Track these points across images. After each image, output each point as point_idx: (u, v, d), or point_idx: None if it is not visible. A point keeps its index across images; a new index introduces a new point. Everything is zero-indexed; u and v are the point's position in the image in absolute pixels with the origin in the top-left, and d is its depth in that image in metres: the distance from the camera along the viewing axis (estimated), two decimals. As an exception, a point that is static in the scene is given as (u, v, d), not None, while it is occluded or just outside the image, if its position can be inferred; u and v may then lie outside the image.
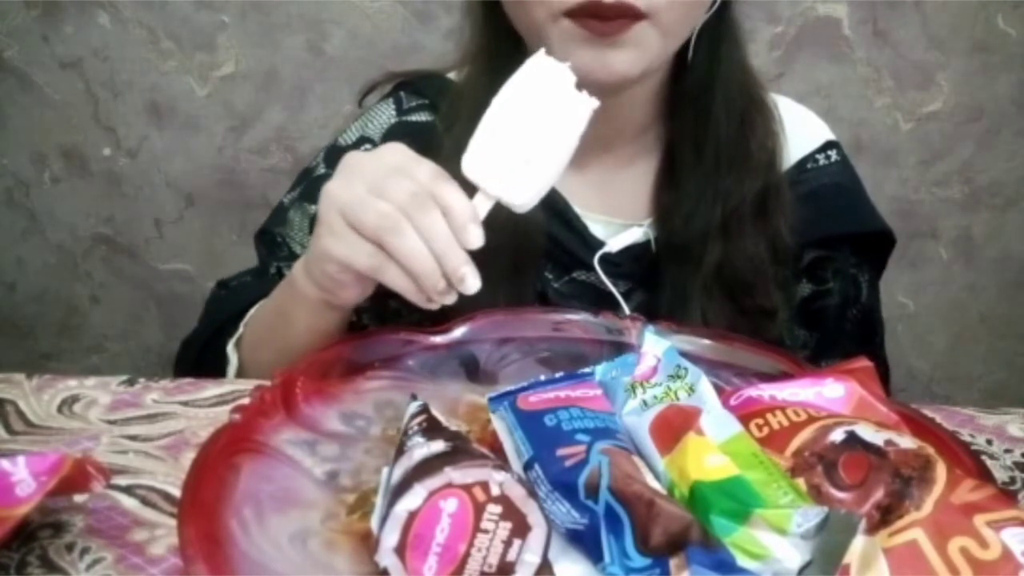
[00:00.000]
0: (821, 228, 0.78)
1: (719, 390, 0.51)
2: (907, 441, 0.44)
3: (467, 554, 0.39)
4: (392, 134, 0.79)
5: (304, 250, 0.71)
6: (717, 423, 0.46)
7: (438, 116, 0.78)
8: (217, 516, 0.40)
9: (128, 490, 0.50)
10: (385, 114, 0.81)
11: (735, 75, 0.75)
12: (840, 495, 0.42)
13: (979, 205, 1.50)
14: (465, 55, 0.78)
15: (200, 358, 0.75)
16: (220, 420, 0.46)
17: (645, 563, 0.40)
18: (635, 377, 0.54)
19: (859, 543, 0.38)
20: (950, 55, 1.40)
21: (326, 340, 0.64)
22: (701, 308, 0.73)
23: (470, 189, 0.54)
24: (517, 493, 0.39)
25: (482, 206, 0.54)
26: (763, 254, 0.75)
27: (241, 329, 0.72)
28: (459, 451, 0.41)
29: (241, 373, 0.72)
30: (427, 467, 0.40)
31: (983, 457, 0.53)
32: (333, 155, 0.80)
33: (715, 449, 0.45)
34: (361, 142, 0.80)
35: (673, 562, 0.39)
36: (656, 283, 0.76)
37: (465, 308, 0.59)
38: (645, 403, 0.51)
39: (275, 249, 0.80)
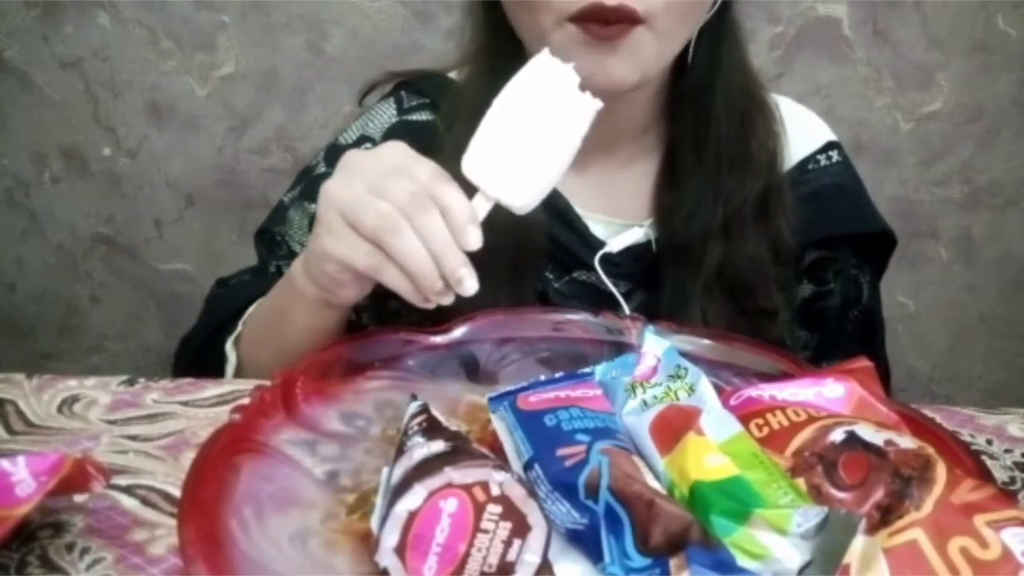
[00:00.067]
0: (822, 229, 0.78)
1: (719, 390, 0.51)
2: (907, 441, 0.44)
3: (467, 554, 0.39)
4: (393, 133, 0.79)
5: (304, 249, 0.71)
6: (717, 423, 0.46)
7: (439, 115, 0.78)
8: (217, 516, 0.40)
9: (128, 490, 0.50)
10: (386, 113, 0.81)
11: (736, 75, 0.75)
12: (840, 495, 0.42)
13: (979, 205, 1.50)
14: (466, 55, 0.78)
15: (199, 356, 0.75)
16: (220, 420, 0.46)
17: (645, 563, 0.40)
18: (635, 377, 0.54)
19: (859, 543, 0.38)
20: (950, 55, 1.40)
21: (325, 338, 0.64)
22: (702, 309, 0.73)
23: (470, 189, 0.54)
24: (517, 493, 0.39)
25: (481, 207, 0.54)
26: (764, 255, 0.75)
27: (240, 327, 0.72)
28: (459, 451, 0.41)
29: (239, 371, 0.72)
30: (427, 467, 0.40)
31: (983, 457, 0.53)
32: (333, 154, 0.80)
33: (715, 449, 0.45)
34: (362, 141, 0.80)
35: (673, 562, 0.39)
36: (657, 283, 0.76)
37: (466, 308, 0.59)
38: (645, 403, 0.51)
39: (275, 248, 0.80)
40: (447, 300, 0.54)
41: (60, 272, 1.56)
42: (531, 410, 0.49)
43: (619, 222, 0.78)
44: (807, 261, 0.79)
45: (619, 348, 0.61)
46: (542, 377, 0.55)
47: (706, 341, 0.60)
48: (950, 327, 1.58)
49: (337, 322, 0.65)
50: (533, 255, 0.74)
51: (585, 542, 0.42)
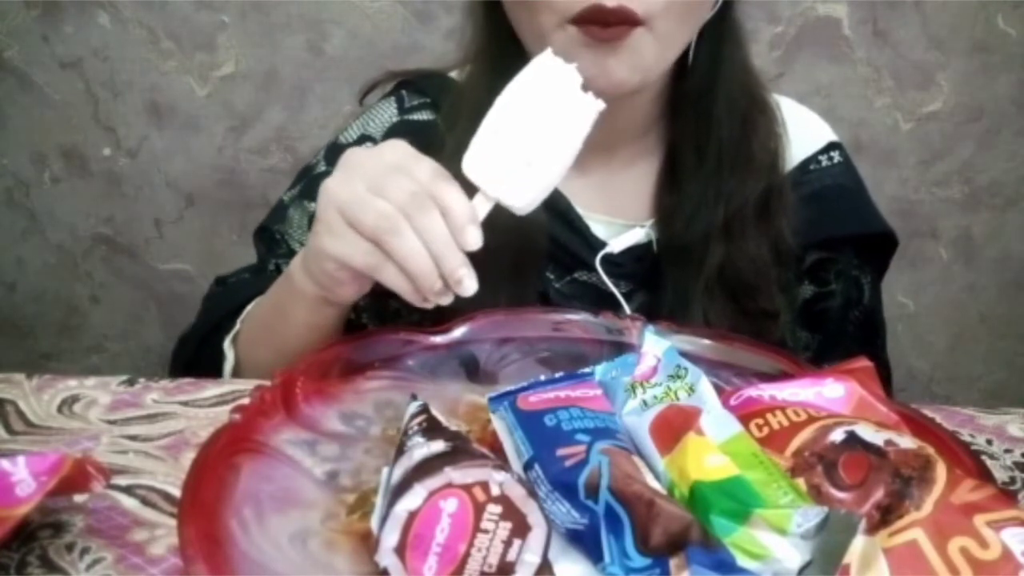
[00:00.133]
0: (824, 230, 0.78)
1: (719, 390, 0.51)
2: (907, 441, 0.44)
3: (467, 554, 0.39)
4: (394, 132, 0.79)
5: (303, 248, 0.71)
6: (717, 423, 0.46)
7: (440, 115, 0.78)
8: (217, 516, 0.40)
9: (128, 490, 0.50)
10: (387, 112, 0.81)
11: (737, 76, 0.75)
12: (840, 495, 0.42)
13: (979, 205, 1.50)
14: (466, 55, 0.78)
15: (197, 354, 0.75)
16: (220, 420, 0.46)
17: (645, 563, 0.40)
18: (635, 377, 0.54)
19: (859, 543, 0.38)
20: (950, 55, 1.40)
21: (323, 337, 0.64)
22: (703, 309, 0.73)
23: (471, 188, 0.54)
24: (517, 493, 0.39)
25: (482, 207, 0.54)
26: (765, 256, 0.74)
27: (238, 325, 0.72)
28: (459, 451, 0.41)
29: (237, 370, 0.72)
30: (427, 467, 0.40)
31: (983, 457, 0.53)
32: (334, 153, 0.80)
33: (715, 449, 0.45)
34: (362, 140, 0.80)
35: (673, 562, 0.39)
36: (658, 284, 0.76)
37: (467, 308, 0.59)
38: (645, 403, 0.51)
39: (274, 246, 0.80)
40: (446, 300, 0.54)
41: (60, 272, 1.56)
42: (531, 410, 0.49)
43: (620, 222, 0.78)
44: (808, 262, 0.79)
45: (619, 348, 0.61)
46: (542, 377, 0.55)
47: (706, 341, 0.60)
48: (950, 327, 1.58)
49: (336, 321, 0.65)
50: (534, 255, 0.74)
51: (585, 542, 0.42)
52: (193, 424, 0.57)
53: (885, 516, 0.40)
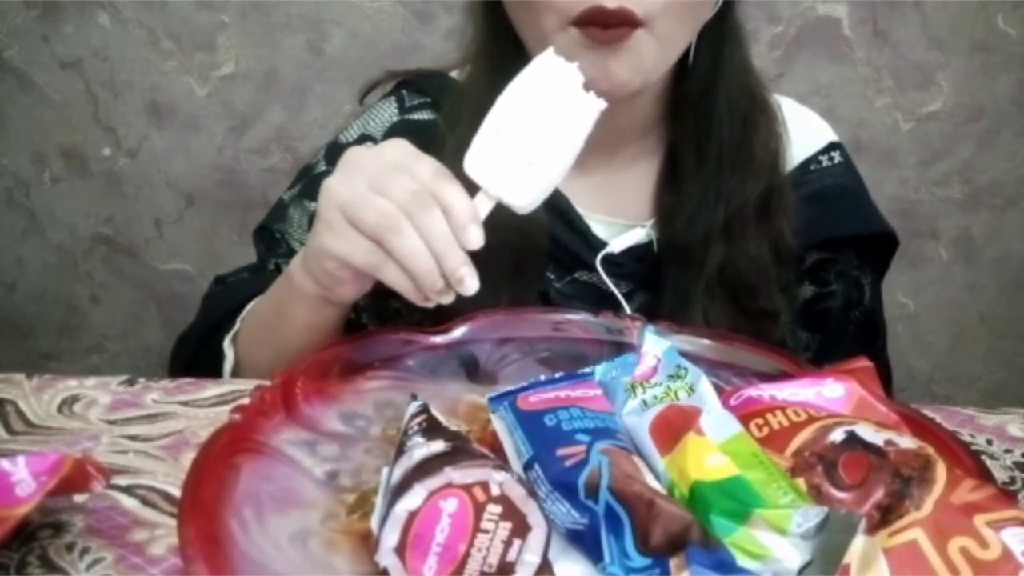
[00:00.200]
0: (824, 230, 0.77)
1: (719, 390, 0.51)
2: (907, 441, 0.44)
3: (467, 554, 0.39)
4: (394, 132, 0.79)
5: (303, 247, 0.71)
6: (717, 423, 0.46)
7: (440, 115, 0.78)
8: (217, 516, 0.40)
9: (128, 490, 0.50)
10: (387, 112, 0.81)
11: (738, 76, 0.75)
12: (840, 495, 0.42)
13: (979, 205, 1.50)
14: (467, 55, 0.78)
15: (196, 354, 0.75)
16: (220, 420, 0.46)
17: (645, 563, 0.40)
18: (635, 377, 0.54)
19: (859, 543, 0.38)
20: (950, 55, 1.40)
21: (323, 336, 0.64)
22: (703, 309, 0.73)
23: (472, 187, 0.54)
24: (517, 493, 0.39)
25: (483, 206, 0.54)
26: (765, 256, 0.74)
27: (237, 325, 0.72)
28: (459, 451, 0.41)
29: (237, 369, 0.72)
30: (427, 467, 0.40)
31: (983, 457, 0.53)
32: (334, 152, 0.80)
33: (715, 449, 0.45)
34: (363, 140, 0.80)
35: (673, 562, 0.39)
36: (658, 284, 0.76)
37: (467, 308, 0.59)
38: (645, 403, 0.51)
39: (274, 246, 0.80)
40: (447, 299, 0.54)
41: (60, 272, 1.56)
42: (531, 410, 0.49)
43: (621, 223, 0.78)
44: (809, 262, 0.79)
45: (619, 348, 0.61)
46: (542, 377, 0.54)
47: (706, 341, 0.60)
48: (950, 327, 1.58)
49: (336, 320, 0.65)
50: (535, 255, 0.74)
51: (585, 542, 0.42)
52: (193, 424, 0.57)
53: (885, 516, 0.40)
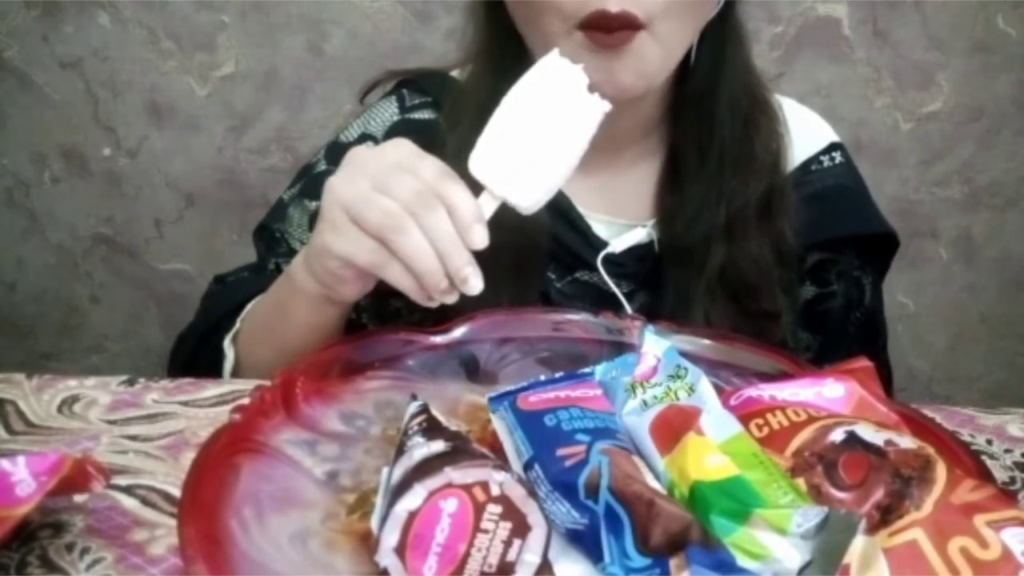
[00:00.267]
0: (825, 230, 0.77)
1: (719, 390, 0.51)
2: (907, 441, 0.44)
3: (467, 554, 0.39)
4: (395, 131, 0.79)
5: (303, 247, 0.70)
6: (717, 423, 0.46)
7: (441, 114, 0.78)
8: (217, 516, 0.40)
9: (128, 490, 0.50)
10: (388, 111, 0.81)
11: (739, 76, 0.75)
12: (840, 495, 0.42)
13: (979, 205, 1.50)
14: (467, 54, 0.78)
15: (196, 353, 0.75)
16: (220, 420, 0.46)
17: (645, 563, 0.40)
18: (635, 377, 0.54)
19: (859, 543, 0.38)
20: (950, 55, 1.40)
21: (324, 336, 0.64)
22: (704, 310, 0.73)
23: (475, 187, 0.54)
24: (517, 493, 0.39)
25: (488, 206, 0.54)
26: (767, 256, 0.74)
27: (238, 324, 0.72)
28: (459, 451, 0.41)
29: (237, 369, 0.72)
30: (427, 467, 0.40)
31: (983, 457, 0.53)
32: (334, 151, 0.80)
33: (715, 449, 0.45)
34: (363, 139, 0.80)
35: (673, 562, 0.39)
36: (659, 284, 0.76)
37: (468, 308, 0.59)
38: (645, 403, 0.51)
39: (274, 245, 0.80)
40: (451, 299, 0.54)
41: (60, 272, 1.56)
42: (531, 410, 0.49)
43: (622, 223, 0.78)
44: (810, 263, 0.79)
45: (619, 348, 0.61)
46: (542, 377, 0.54)
47: (706, 341, 0.60)
48: (950, 327, 1.58)
49: (337, 319, 0.65)
50: (536, 255, 0.74)
51: (585, 542, 0.42)
52: (193, 424, 0.57)
53: (885, 516, 0.40)
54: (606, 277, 0.75)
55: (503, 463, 0.41)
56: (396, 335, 0.59)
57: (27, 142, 1.48)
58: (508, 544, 0.39)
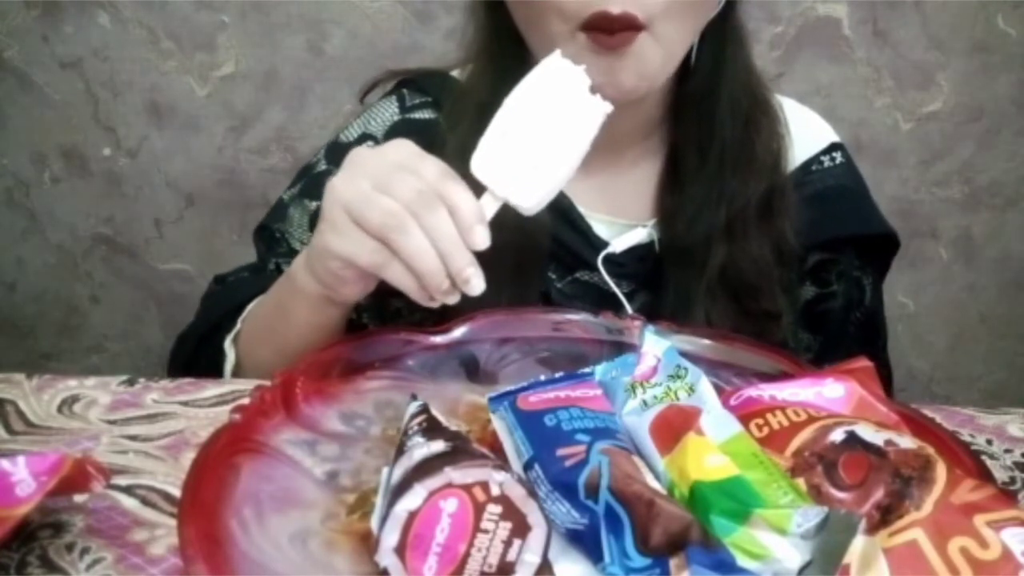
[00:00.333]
0: (826, 230, 0.77)
1: (719, 390, 0.51)
2: (907, 441, 0.44)
3: (467, 554, 0.39)
4: (395, 131, 0.79)
5: (303, 247, 0.70)
6: (717, 423, 0.46)
7: (442, 114, 0.78)
8: (217, 516, 0.40)
9: (128, 490, 0.50)
10: (388, 111, 0.81)
11: (740, 76, 0.75)
12: (840, 495, 0.42)
13: (979, 205, 1.50)
14: (468, 54, 0.78)
15: (196, 353, 0.75)
16: (220, 420, 0.46)
17: (645, 563, 0.40)
18: (635, 377, 0.54)
19: (859, 543, 0.38)
20: (950, 55, 1.40)
21: (326, 336, 0.64)
22: (705, 310, 0.73)
23: (476, 188, 0.54)
24: (517, 493, 0.39)
25: (489, 207, 0.54)
26: (767, 256, 0.74)
27: (239, 325, 0.72)
28: (459, 451, 0.41)
29: (238, 369, 0.72)
30: (427, 467, 0.40)
31: (983, 457, 0.53)
32: (334, 151, 0.80)
33: (715, 449, 0.45)
34: (363, 139, 0.80)
35: (673, 562, 0.39)
36: (660, 284, 0.76)
37: (468, 308, 0.59)
38: (645, 403, 0.51)
39: (274, 245, 0.80)
40: (453, 299, 0.54)
41: (60, 272, 1.56)
42: (531, 410, 0.49)
43: (622, 223, 0.78)
44: (810, 263, 0.79)
45: (619, 348, 0.61)
46: (542, 377, 0.54)
47: (706, 341, 0.60)
48: (950, 327, 1.58)
49: (338, 320, 0.65)
50: (537, 255, 0.74)
51: (585, 542, 0.42)
52: (193, 424, 0.57)
53: (885, 516, 0.40)
54: (606, 277, 0.75)
55: (503, 463, 0.41)
56: (396, 335, 0.59)
57: (27, 142, 1.48)
58: (508, 544, 0.39)
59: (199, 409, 0.59)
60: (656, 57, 0.65)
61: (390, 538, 0.39)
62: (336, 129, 0.84)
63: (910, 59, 1.41)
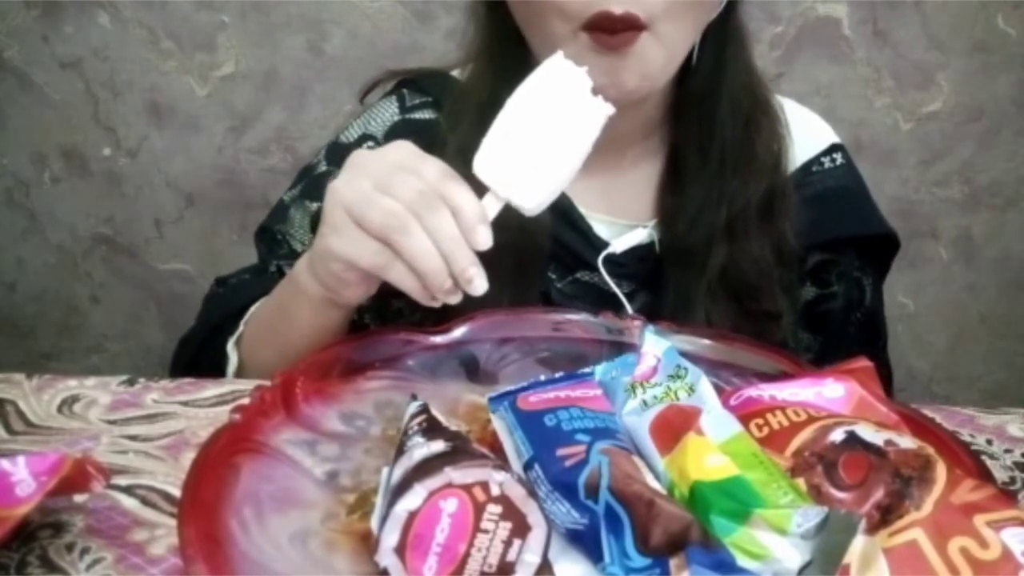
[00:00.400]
0: (826, 231, 0.77)
1: (719, 390, 0.51)
2: (907, 441, 0.44)
3: (467, 554, 0.39)
4: (395, 132, 0.79)
5: (304, 248, 0.70)
6: (717, 423, 0.46)
7: (442, 114, 0.78)
8: (217, 516, 0.40)
9: (128, 490, 0.50)
10: (388, 111, 0.81)
11: (740, 77, 0.75)
12: (840, 495, 0.42)
13: (979, 205, 1.50)
14: (468, 54, 0.78)
15: (198, 356, 0.75)
16: (220, 420, 0.46)
17: (645, 563, 0.40)
18: (635, 377, 0.54)
19: (859, 543, 0.38)
20: (950, 55, 1.40)
21: (328, 338, 0.64)
22: (705, 310, 0.73)
23: (476, 188, 0.54)
24: (517, 493, 0.39)
25: (491, 207, 0.54)
26: (768, 257, 0.74)
27: (241, 327, 0.72)
28: (459, 451, 0.41)
29: (241, 372, 0.71)
30: (427, 467, 0.40)
31: (983, 457, 0.53)
32: (335, 152, 0.80)
33: (715, 449, 0.45)
34: (364, 139, 0.80)
35: (673, 562, 0.39)
36: (660, 285, 0.76)
37: (469, 307, 0.59)
38: (645, 403, 0.51)
39: (275, 247, 0.80)
40: (455, 299, 0.54)
41: (60, 272, 1.56)
42: (531, 410, 0.49)
43: (623, 223, 0.78)
44: (810, 263, 0.79)
45: (619, 348, 0.61)
46: (542, 377, 0.55)
47: (706, 341, 0.60)
48: (950, 327, 1.58)
49: (341, 322, 0.65)
50: (537, 255, 0.74)
51: (585, 542, 0.42)
52: (193, 424, 0.57)
53: (885, 516, 0.40)
54: (607, 277, 0.75)
55: (503, 463, 0.41)
56: (396, 335, 0.59)
57: (27, 142, 1.48)
58: (508, 544, 0.39)
59: (199, 409, 0.59)
60: (658, 57, 0.65)
61: (390, 538, 0.39)
62: (336, 129, 0.84)
63: (910, 59, 1.41)
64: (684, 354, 0.55)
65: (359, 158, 0.57)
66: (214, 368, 0.72)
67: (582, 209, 0.77)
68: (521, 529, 0.39)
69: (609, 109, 0.54)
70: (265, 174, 1.47)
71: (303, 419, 0.50)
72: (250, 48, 1.41)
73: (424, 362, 0.59)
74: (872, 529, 0.39)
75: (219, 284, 0.83)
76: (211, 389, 0.62)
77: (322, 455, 0.49)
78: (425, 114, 0.80)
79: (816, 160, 0.80)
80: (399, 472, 0.41)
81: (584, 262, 0.76)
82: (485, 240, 0.53)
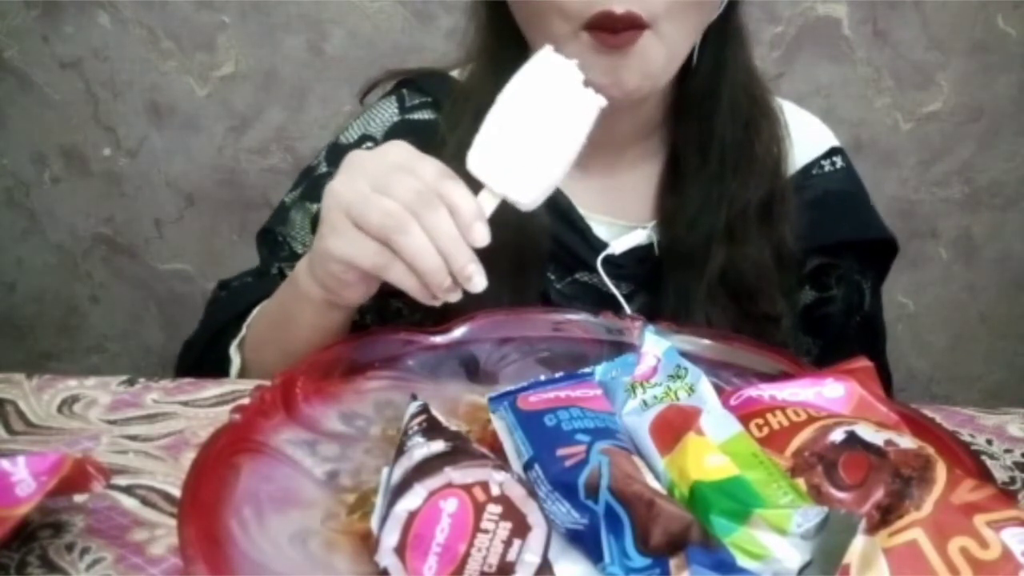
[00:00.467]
0: (825, 235, 0.77)
1: (719, 390, 0.52)
2: (907, 441, 0.44)
3: (467, 554, 0.39)
4: (395, 132, 0.79)
5: (306, 250, 0.70)
6: (717, 423, 0.46)
7: (441, 114, 0.78)
8: (217, 516, 0.40)
9: (128, 490, 0.50)
10: (387, 112, 0.81)
11: (740, 78, 0.75)
12: (840, 495, 0.42)
13: (979, 205, 1.50)
14: (468, 54, 0.78)
15: (202, 359, 0.75)
16: (220, 420, 0.46)
17: (645, 563, 0.40)
18: (635, 377, 0.54)
19: (859, 543, 0.38)
20: (950, 55, 1.40)
21: (330, 339, 0.64)
22: (705, 312, 0.73)
23: (473, 187, 0.54)
24: (517, 493, 0.39)
25: (487, 204, 0.54)
26: (767, 259, 0.74)
27: (244, 330, 0.72)
28: (459, 451, 0.41)
29: (244, 374, 0.71)
30: (427, 467, 0.40)
31: (983, 457, 0.53)
32: (335, 153, 0.80)
33: (715, 449, 0.45)
34: (363, 140, 0.80)
35: (673, 562, 0.39)
36: (659, 286, 0.76)
37: (469, 308, 0.59)
38: (645, 403, 0.51)
39: (276, 249, 0.80)
40: (455, 297, 0.54)
41: (60, 272, 1.56)
42: (531, 410, 0.49)
43: (622, 224, 0.78)
44: (809, 267, 0.79)
45: (619, 348, 0.61)
46: (542, 377, 0.55)
47: (706, 341, 0.60)
48: (950, 327, 1.58)
49: (342, 323, 0.65)
50: (536, 256, 0.74)
51: (585, 542, 0.42)
52: (193, 424, 0.57)
53: (885, 516, 0.40)
54: (606, 278, 0.75)
55: (503, 463, 0.41)
56: (396, 335, 0.59)
57: (27, 142, 1.48)
58: (508, 544, 0.39)
59: (199, 409, 0.59)
60: (660, 56, 0.65)
61: (390, 538, 0.39)
62: (336, 130, 0.84)
63: (910, 59, 1.41)
64: (684, 354, 0.55)
65: (356, 159, 0.57)
66: (218, 371, 0.72)
67: (581, 210, 0.77)
68: (521, 529, 0.39)
69: (601, 101, 0.54)
70: (265, 174, 1.47)
71: (303, 419, 0.50)
72: (250, 48, 1.41)
73: (424, 362, 0.59)
74: (872, 529, 0.39)
75: (221, 287, 0.83)
76: (211, 389, 0.62)
77: (322, 455, 0.49)
78: (425, 114, 0.80)
79: (816, 163, 0.80)
80: (399, 472, 0.41)
81: (583, 263, 0.76)
82: (483, 237, 0.53)
